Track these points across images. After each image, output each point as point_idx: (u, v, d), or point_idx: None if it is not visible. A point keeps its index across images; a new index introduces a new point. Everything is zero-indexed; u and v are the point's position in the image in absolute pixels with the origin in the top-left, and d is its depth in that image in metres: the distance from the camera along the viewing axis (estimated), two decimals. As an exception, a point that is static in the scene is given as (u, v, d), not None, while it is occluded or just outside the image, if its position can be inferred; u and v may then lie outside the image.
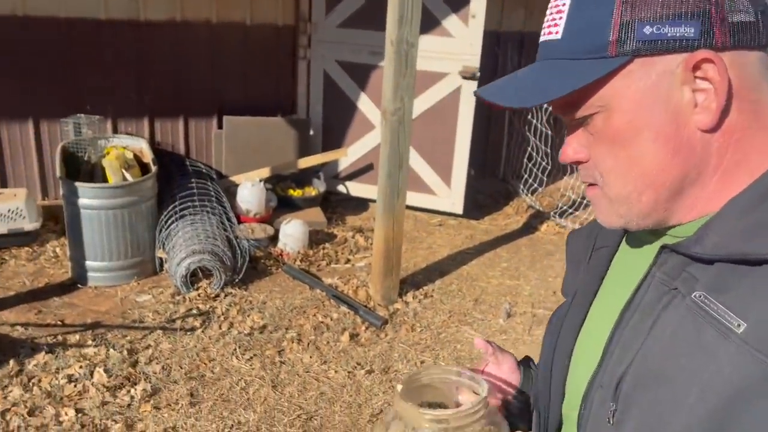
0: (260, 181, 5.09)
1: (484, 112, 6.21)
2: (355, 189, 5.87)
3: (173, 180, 4.87)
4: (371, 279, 4.33)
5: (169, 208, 4.38)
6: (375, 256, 4.21)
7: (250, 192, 4.94)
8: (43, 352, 3.45)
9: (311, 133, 5.80)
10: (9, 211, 4.49)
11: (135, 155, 4.90)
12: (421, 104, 5.32)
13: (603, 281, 0.89)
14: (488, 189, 6.59)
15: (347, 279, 4.48)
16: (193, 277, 4.16)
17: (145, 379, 3.33)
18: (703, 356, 0.68)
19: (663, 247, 0.78)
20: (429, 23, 5.07)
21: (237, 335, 3.78)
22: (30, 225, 4.58)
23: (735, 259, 0.69)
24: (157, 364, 3.47)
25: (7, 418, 2.99)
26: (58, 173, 4.26)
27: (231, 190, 5.11)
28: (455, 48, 5.27)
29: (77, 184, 4.06)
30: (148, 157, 4.79)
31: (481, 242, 5.40)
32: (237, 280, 4.26)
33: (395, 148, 3.90)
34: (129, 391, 3.24)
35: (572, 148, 0.81)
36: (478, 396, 0.95)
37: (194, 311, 3.97)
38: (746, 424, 0.64)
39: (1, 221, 4.48)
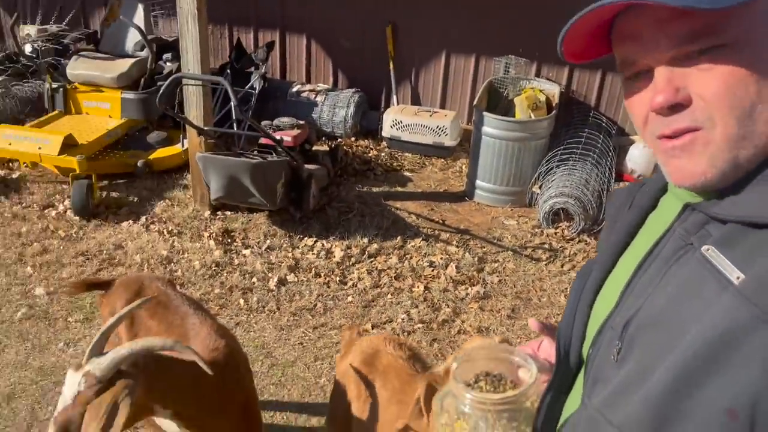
0: (655, 144, 4.99)
1: None
2: None
3: (570, 127, 5.20)
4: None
5: (555, 150, 4.76)
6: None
7: (641, 153, 4.92)
8: (421, 239, 4.36)
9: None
10: (437, 127, 5.54)
11: (547, 98, 5.38)
12: None
13: (636, 237, 0.92)
14: None
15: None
16: (555, 216, 4.52)
17: (482, 284, 3.93)
18: (701, 305, 0.72)
19: (686, 205, 0.82)
20: None
21: (574, 278, 4.02)
22: (449, 142, 5.58)
23: (745, 221, 0.72)
24: (497, 276, 4.02)
25: (381, 275, 3.99)
26: (475, 102, 5.05)
27: (624, 148, 5.17)
28: None
29: (485, 113, 4.76)
30: (556, 101, 5.20)
31: None
32: (595, 231, 4.44)
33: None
34: (467, 289, 3.89)
35: (672, 88, 0.75)
36: (527, 381, 0.98)
37: (546, 246, 4.36)
38: (728, 366, 0.67)
39: (430, 134, 5.58)
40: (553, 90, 5.43)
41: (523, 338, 3.51)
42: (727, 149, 0.74)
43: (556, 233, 4.47)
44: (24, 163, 4.89)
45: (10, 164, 5.09)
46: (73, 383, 1.59)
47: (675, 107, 0.76)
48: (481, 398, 0.95)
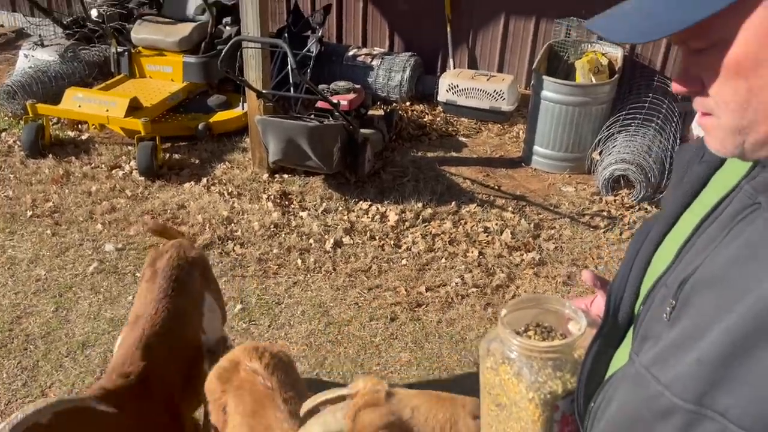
0: (724, 110, 4.79)
1: None
2: None
3: (633, 92, 5.03)
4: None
5: (617, 115, 4.62)
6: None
7: (708, 119, 4.73)
8: (475, 204, 4.34)
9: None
10: (494, 91, 5.46)
11: (609, 62, 5.20)
12: None
13: (700, 194, 0.88)
14: None
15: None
16: (615, 184, 4.42)
17: (537, 251, 3.90)
18: (765, 267, 0.70)
19: (757, 162, 0.79)
20: None
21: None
22: (506, 107, 5.49)
23: None
24: (553, 243, 3.99)
25: (435, 240, 4.01)
26: (534, 65, 4.94)
27: (691, 114, 4.97)
28: None
29: (544, 77, 4.66)
30: (619, 65, 5.03)
31: None
32: (657, 199, 4.32)
33: None
34: (522, 255, 3.87)
35: (688, 78, 0.78)
36: (575, 333, 0.98)
37: (604, 213, 4.28)
38: None
39: (487, 98, 5.50)
40: (616, 54, 5.25)
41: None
42: (731, 137, 0.77)
43: (615, 201, 4.37)
44: (92, 125, 5.08)
45: (80, 126, 5.29)
46: None
47: (694, 92, 0.79)
48: (528, 345, 0.96)
